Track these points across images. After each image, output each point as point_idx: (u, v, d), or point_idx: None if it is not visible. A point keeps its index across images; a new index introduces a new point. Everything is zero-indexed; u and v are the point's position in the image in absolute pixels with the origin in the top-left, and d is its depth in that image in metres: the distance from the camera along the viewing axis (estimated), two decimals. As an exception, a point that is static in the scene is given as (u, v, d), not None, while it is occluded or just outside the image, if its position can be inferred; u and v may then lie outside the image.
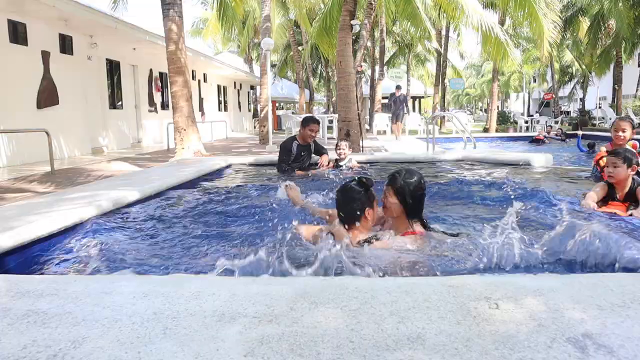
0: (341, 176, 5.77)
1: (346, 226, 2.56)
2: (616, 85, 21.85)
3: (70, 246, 2.88)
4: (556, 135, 15.89)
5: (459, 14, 11.49)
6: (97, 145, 11.76)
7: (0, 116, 8.35)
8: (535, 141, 14.63)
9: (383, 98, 20.26)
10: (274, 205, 4.05)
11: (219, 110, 22.30)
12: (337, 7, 12.07)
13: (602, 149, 4.68)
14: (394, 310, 1.42)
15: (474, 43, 77.18)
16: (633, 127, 4.34)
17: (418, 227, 2.56)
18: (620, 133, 4.28)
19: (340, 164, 6.09)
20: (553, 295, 1.51)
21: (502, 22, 18.82)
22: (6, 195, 5.34)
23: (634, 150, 3.85)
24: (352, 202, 2.55)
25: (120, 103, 13.31)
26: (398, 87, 16.44)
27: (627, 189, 3.53)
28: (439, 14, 19.22)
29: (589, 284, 1.62)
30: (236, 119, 25.35)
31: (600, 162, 4.39)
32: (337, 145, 6.27)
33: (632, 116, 18.94)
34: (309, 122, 5.95)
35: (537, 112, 31.15)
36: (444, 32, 23.94)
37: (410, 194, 2.51)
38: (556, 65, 28.09)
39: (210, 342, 1.25)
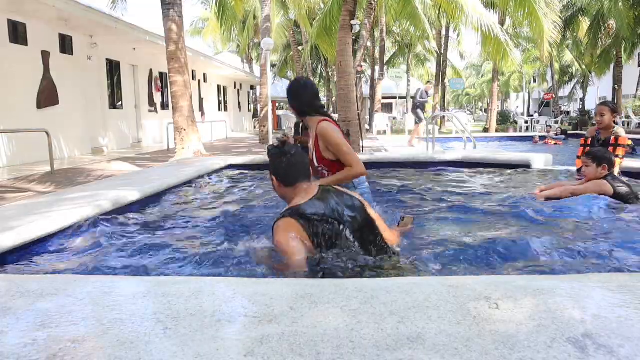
0: None
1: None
2: (616, 85, 21.85)
3: (70, 246, 2.89)
4: (555, 134, 15.88)
5: (459, 14, 11.50)
6: (97, 145, 11.76)
7: (0, 116, 8.36)
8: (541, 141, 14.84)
9: (383, 98, 20.19)
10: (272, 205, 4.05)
11: (219, 110, 22.30)
12: (337, 7, 12.06)
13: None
14: (394, 310, 1.42)
15: (474, 43, 77.22)
16: (613, 112, 4.58)
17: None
18: (599, 117, 4.58)
19: None
20: (553, 295, 1.51)
21: (502, 22, 18.82)
22: (6, 195, 5.34)
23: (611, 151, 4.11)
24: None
25: (120, 103, 13.31)
26: (430, 82, 15.20)
27: None
28: (438, 14, 19.22)
29: (589, 284, 1.62)
30: (236, 119, 25.35)
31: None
32: None
33: (632, 116, 18.95)
34: (306, 128, 5.92)
35: (536, 112, 31.16)
36: (443, 32, 23.95)
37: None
38: (556, 65, 28.08)
39: (210, 342, 1.26)
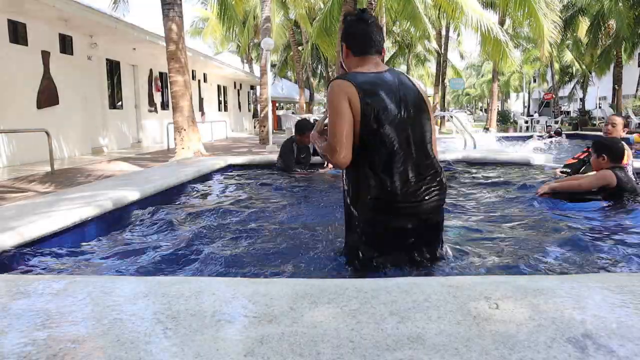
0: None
1: None
2: (616, 85, 21.85)
3: (71, 246, 2.89)
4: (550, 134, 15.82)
5: (459, 14, 11.51)
6: (97, 145, 11.76)
7: (0, 116, 8.36)
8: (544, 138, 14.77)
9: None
10: (272, 204, 4.05)
11: (219, 110, 22.29)
12: (337, 7, 12.07)
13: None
14: (394, 310, 1.42)
15: (474, 43, 77.19)
16: (625, 126, 4.58)
17: None
18: (610, 127, 4.50)
19: None
20: (553, 295, 1.51)
21: (502, 22, 18.82)
22: (6, 195, 5.34)
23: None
24: None
25: (120, 103, 13.31)
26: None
27: None
28: (438, 14, 19.23)
29: (589, 284, 1.62)
30: (236, 119, 25.34)
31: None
32: None
33: (632, 116, 18.95)
34: (303, 129, 5.92)
35: (536, 112, 31.15)
36: (444, 32, 23.97)
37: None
38: (556, 66, 28.08)
39: (210, 342, 1.26)
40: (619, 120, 4.48)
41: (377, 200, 2.06)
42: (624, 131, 4.58)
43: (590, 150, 3.72)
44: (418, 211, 2.08)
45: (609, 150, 3.45)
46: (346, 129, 2.01)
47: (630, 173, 3.66)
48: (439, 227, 2.23)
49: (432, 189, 2.10)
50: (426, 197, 2.08)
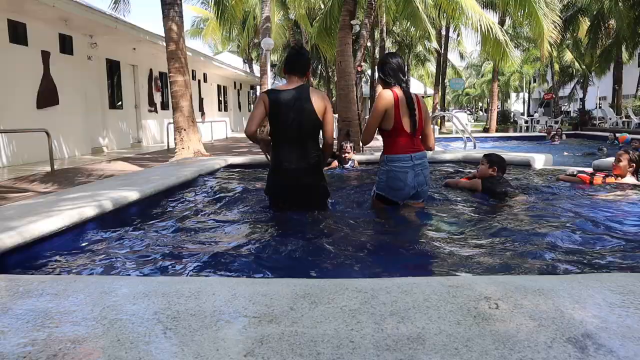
0: (345, 173, 5.86)
1: None
2: (616, 85, 21.84)
3: (70, 246, 2.88)
4: (547, 133, 15.77)
5: (459, 14, 11.51)
6: (97, 145, 11.76)
7: (0, 116, 8.36)
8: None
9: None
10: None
11: (219, 110, 22.30)
12: (337, 7, 12.08)
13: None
14: (394, 310, 1.42)
15: (474, 43, 77.21)
16: (631, 161, 4.23)
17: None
18: (615, 162, 4.33)
19: (346, 165, 6.16)
20: (553, 295, 1.51)
21: (502, 22, 18.82)
22: (7, 195, 5.34)
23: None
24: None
25: (120, 103, 13.31)
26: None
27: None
28: (438, 14, 19.23)
29: (589, 284, 1.62)
30: (236, 119, 25.35)
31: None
32: (341, 147, 6.29)
33: (632, 116, 18.94)
34: None
35: (536, 112, 31.15)
36: (443, 32, 23.96)
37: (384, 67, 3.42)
38: (556, 66, 28.06)
39: (210, 342, 1.26)
40: (624, 157, 4.21)
41: (274, 165, 3.35)
42: (630, 167, 4.22)
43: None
44: (295, 178, 3.26)
45: (498, 165, 4.24)
46: (255, 116, 3.25)
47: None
48: (314, 191, 3.37)
49: (306, 167, 3.27)
50: (299, 171, 3.25)
